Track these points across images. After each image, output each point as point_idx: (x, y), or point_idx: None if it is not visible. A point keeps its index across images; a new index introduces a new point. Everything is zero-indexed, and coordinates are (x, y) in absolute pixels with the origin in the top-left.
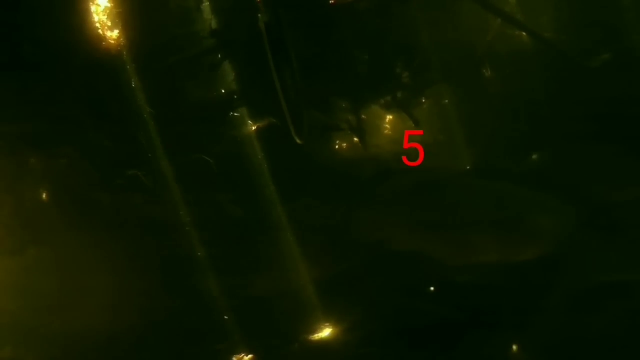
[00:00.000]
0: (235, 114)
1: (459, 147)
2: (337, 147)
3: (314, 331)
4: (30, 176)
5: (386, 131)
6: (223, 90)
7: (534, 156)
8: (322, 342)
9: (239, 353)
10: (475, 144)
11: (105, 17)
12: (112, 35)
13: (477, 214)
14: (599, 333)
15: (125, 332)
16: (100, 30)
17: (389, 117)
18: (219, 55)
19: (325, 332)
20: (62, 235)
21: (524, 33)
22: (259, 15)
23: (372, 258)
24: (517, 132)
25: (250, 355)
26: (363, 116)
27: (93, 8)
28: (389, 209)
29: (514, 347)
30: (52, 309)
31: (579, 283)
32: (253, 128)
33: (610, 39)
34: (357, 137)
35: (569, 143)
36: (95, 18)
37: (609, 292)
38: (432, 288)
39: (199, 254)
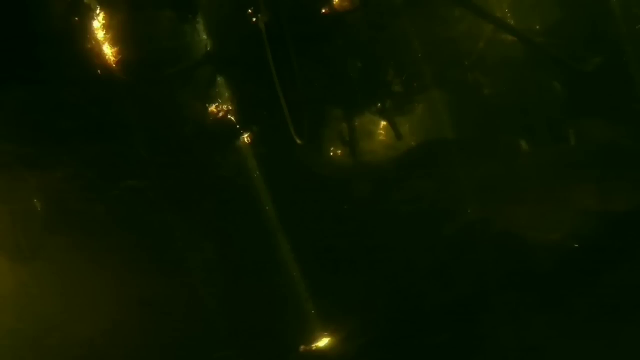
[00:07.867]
0: (232, 124)
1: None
2: (332, 154)
3: (312, 340)
4: (26, 189)
5: (381, 137)
6: (220, 101)
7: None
8: (320, 352)
9: None
10: (468, 149)
11: (102, 32)
12: (108, 50)
13: None
14: None
15: (124, 343)
16: (97, 46)
17: (383, 123)
18: (216, 67)
19: (323, 342)
20: (60, 247)
21: (516, 39)
22: (259, 15)
23: (368, 263)
24: (511, 136)
25: None
26: (356, 123)
27: (90, 24)
28: (383, 213)
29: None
30: (51, 321)
31: None
32: (250, 138)
33: (602, 43)
34: (349, 145)
35: (563, 146)
36: (92, 34)
37: None
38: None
39: (198, 263)
